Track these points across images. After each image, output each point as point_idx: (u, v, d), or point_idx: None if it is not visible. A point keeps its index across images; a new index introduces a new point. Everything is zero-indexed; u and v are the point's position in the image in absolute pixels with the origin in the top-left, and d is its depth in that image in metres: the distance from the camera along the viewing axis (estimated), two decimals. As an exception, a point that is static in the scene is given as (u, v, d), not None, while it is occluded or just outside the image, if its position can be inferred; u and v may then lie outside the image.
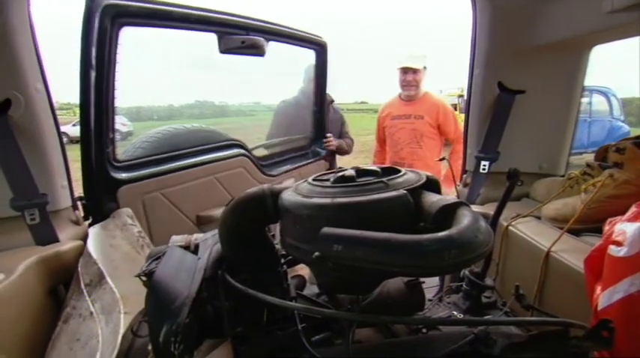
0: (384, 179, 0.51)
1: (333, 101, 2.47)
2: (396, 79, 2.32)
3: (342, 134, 2.47)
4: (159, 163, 1.43)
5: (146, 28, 1.26)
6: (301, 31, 1.86)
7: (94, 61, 1.11)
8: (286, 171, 1.94)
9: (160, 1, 1.26)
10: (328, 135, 2.22)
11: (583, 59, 1.24)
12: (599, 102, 7.78)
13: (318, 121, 2.22)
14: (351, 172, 0.54)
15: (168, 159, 1.47)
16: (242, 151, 1.72)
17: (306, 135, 2.24)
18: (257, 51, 1.59)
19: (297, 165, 2.03)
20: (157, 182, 1.39)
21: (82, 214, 1.23)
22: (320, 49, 2.04)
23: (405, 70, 2.18)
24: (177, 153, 1.50)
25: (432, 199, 0.47)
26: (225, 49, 1.52)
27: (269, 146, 2.07)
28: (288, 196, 0.53)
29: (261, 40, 1.59)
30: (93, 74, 1.12)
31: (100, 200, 1.22)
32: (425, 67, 2.20)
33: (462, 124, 2.27)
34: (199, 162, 1.53)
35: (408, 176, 0.53)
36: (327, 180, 0.55)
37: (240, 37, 1.53)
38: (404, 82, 2.21)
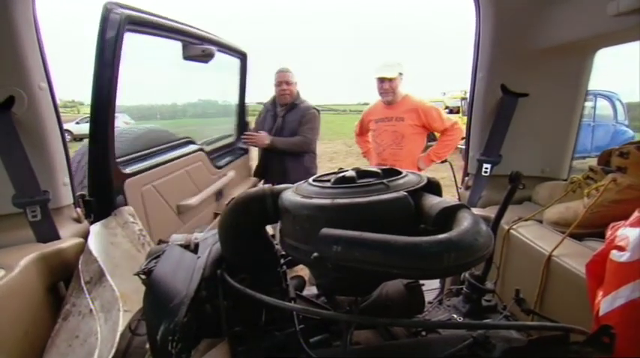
0: (385, 180, 0.51)
1: (295, 104, 2.49)
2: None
3: (298, 132, 2.48)
4: (144, 159, 1.58)
5: (141, 35, 1.41)
6: (230, 42, 2.13)
7: (107, 65, 1.20)
8: (226, 164, 2.27)
9: (151, 12, 1.42)
10: (248, 133, 2.44)
11: (587, 62, 1.24)
12: (603, 107, 7.73)
13: (240, 120, 2.58)
14: (351, 173, 0.54)
15: (151, 155, 1.64)
16: (198, 147, 1.99)
17: (231, 133, 2.62)
18: (209, 59, 1.82)
19: (232, 159, 2.38)
20: (148, 176, 1.52)
21: (84, 211, 1.24)
22: (242, 57, 2.37)
23: (382, 79, 2.29)
24: (154, 149, 1.69)
25: (432, 201, 0.47)
26: (187, 56, 1.74)
27: (210, 142, 2.35)
28: (289, 196, 0.53)
29: (215, 49, 1.82)
30: (107, 76, 1.20)
31: (110, 193, 1.29)
32: (401, 74, 2.30)
33: (452, 120, 2.36)
34: (174, 157, 1.74)
35: (409, 178, 0.53)
36: (328, 181, 0.55)
37: (200, 47, 1.75)
38: (381, 89, 2.33)
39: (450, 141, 2.35)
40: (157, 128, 2.06)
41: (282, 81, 2.41)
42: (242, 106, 2.55)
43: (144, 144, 1.70)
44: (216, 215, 2.10)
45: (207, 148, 2.18)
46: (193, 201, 1.77)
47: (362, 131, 2.65)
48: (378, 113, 2.44)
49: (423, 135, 2.38)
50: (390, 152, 2.37)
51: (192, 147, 1.95)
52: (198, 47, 1.75)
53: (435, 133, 2.54)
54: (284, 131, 2.45)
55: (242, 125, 2.59)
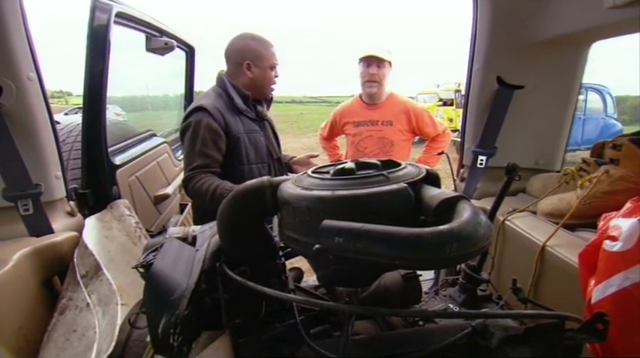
0: (385, 172, 0.51)
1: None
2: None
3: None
4: (125, 150, 1.61)
5: (120, 27, 1.42)
6: (178, 35, 2.08)
7: (99, 57, 1.21)
8: (182, 157, 2.29)
9: (130, 7, 1.45)
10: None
11: (582, 55, 1.24)
12: (593, 100, 7.83)
13: None
14: (350, 165, 0.53)
15: (129, 147, 1.67)
16: (162, 139, 2.06)
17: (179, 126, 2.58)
18: (169, 51, 1.85)
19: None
20: (132, 167, 1.56)
21: (77, 204, 1.22)
22: (190, 50, 2.34)
23: (369, 62, 1.85)
24: (128, 141, 1.72)
25: (432, 193, 0.47)
26: (150, 49, 1.77)
27: (166, 135, 2.38)
28: (288, 188, 0.52)
29: (175, 43, 1.85)
30: (98, 68, 1.21)
31: (106, 184, 1.30)
32: (390, 64, 1.91)
33: (442, 120, 2.26)
34: (147, 149, 1.80)
35: (408, 169, 0.53)
36: (327, 172, 0.55)
37: (163, 40, 1.78)
38: (366, 75, 1.88)
39: (441, 149, 2.01)
40: (119, 121, 2.10)
41: (277, 65, 1.44)
42: (190, 100, 2.56)
43: (118, 136, 1.69)
44: (182, 206, 2.16)
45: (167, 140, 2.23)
46: (166, 190, 1.82)
47: (332, 134, 2.19)
48: (358, 114, 2.02)
49: (410, 142, 2.06)
50: None
51: (157, 140, 2.00)
52: (160, 40, 1.76)
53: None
54: (277, 142, 1.57)
55: None
